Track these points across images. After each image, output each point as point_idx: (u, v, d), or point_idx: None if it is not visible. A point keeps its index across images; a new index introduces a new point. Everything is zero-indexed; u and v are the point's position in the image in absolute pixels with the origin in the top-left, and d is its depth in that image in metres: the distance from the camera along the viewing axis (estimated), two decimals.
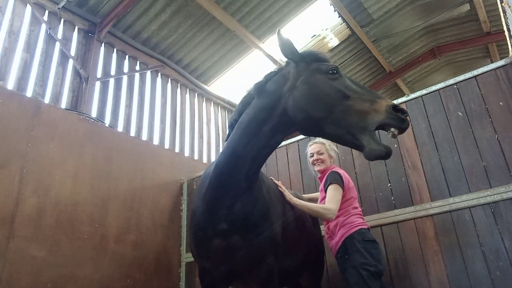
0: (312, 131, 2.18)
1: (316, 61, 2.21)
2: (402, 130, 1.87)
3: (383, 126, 1.88)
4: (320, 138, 3.04)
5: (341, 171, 2.95)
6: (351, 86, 2.05)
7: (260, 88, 2.26)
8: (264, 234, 2.24)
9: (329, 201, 2.75)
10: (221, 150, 7.50)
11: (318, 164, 3.03)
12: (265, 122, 2.17)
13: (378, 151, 1.82)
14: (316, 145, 3.09)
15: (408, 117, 1.89)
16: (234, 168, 2.20)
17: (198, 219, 2.34)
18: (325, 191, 2.83)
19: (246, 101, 2.31)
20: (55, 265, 3.59)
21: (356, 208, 2.84)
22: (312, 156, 3.07)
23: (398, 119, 1.85)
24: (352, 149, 3.64)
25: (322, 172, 3.01)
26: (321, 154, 3.03)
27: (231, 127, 2.35)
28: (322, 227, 3.49)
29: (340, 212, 2.76)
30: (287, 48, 2.24)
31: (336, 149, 3.18)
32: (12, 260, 3.33)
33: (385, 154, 1.82)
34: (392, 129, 1.86)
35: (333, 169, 2.94)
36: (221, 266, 2.28)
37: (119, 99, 6.03)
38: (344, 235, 2.68)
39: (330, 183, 2.82)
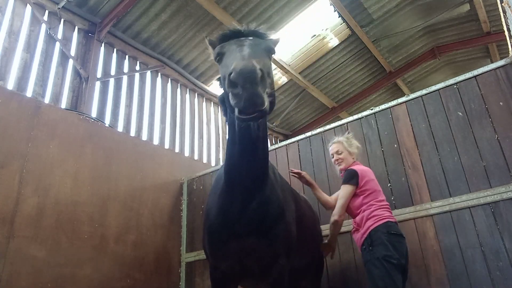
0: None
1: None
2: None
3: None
4: (339, 136, 3.14)
5: (359, 167, 2.95)
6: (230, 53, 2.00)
7: None
8: (278, 235, 2.24)
9: (337, 204, 2.88)
10: (221, 150, 7.55)
11: (339, 164, 3.05)
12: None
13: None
14: (334, 145, 3.09)
15: (243, 91, 1.59)
16: (237, 173, 2.20)
17: (212, 221, 2.34)
18: None
19: None
20: (55, 265, 3.59)
21: (381, 201, 2.83)
22: (333, 157, 3.09)
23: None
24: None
25: (345, 170, 3.02)
26: (340, 153, 3.03)
27: None
28: (323, 226, 3.50)
29: (366, 206, 2.78)
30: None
31: (357, 143, 3.13)
32: (12, 260, 3.33)
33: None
34: None
35: (351, 167, 2.97)
36: (234, 266, 2.29)
37: (119, 99, 6.03)
38: (370, 228, 2.67)
39: (342, 183, 2.91)
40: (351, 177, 2.87)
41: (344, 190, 2.87)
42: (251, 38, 2.10)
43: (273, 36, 2.36)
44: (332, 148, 3.11)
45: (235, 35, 2.14)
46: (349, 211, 2.93)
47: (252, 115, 1.62)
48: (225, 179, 2.27)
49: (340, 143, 3.07)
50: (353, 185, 2.84)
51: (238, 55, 1.83)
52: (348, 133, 3.28)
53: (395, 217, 3.22)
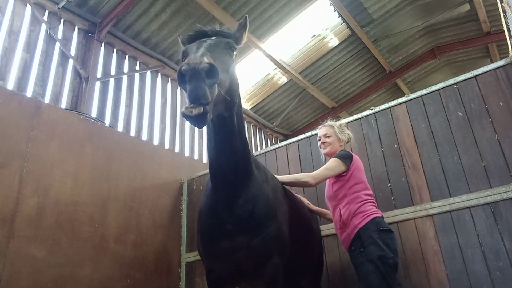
0: None
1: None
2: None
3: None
4: (332, 121, 3.06)
5: (354, 154, 2.85)
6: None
7: None
8: (269, 234, 2.23)
9: (320, 168, 2.74)
10: None
11: (324, 147, 2.95)
12: None
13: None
14: (324, 128, 3.00)
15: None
16: (218, 168, 2.25)
17: (203, 221, 2.37)
18: None
19: None
20: (55, 265, 3.58)
21: (369, 195, 2.70)
22: (320, 139, 3.00)
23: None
24: (351, 149, 3.66)
25: (330, 155, 2.92)
26: (328, 137, 2.94)
27: None
28: (323, 226, 3.50)
29: (351, 198, 2.63)
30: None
31: (349, 132, 3.05)
32: (12, 260, 3.33)
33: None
34: None
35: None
36: (227, 267, 2.28)
37: (119, 99, 6.03)
38: (358, 226, 2.52)
39: (335, 157, 2.77)
40: (346, 157, 2.74)
41: (334, 164, 2.71)
42: (214, 38, 2.16)
43: (243, 30, 2.38)
44: (321, 130, 3.00)
45: (200, 36, 2.20)
46: (330, 194, 2.78)
47: (193, 114, 1.64)
48: (210, 177, 2.32)
49: (331, 126, 2.97)
50: (345, 164, 2.71)
51: (193, 54, 1.90)
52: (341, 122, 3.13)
53: (395, 217, 3.24)
